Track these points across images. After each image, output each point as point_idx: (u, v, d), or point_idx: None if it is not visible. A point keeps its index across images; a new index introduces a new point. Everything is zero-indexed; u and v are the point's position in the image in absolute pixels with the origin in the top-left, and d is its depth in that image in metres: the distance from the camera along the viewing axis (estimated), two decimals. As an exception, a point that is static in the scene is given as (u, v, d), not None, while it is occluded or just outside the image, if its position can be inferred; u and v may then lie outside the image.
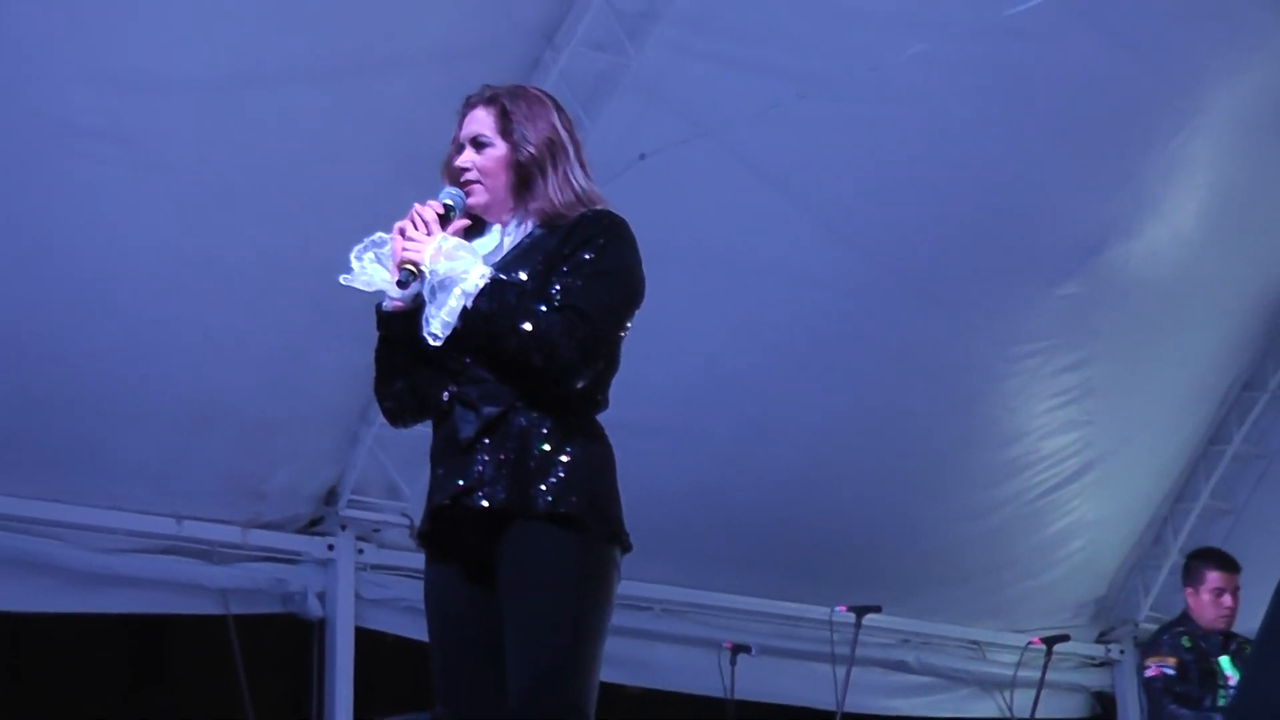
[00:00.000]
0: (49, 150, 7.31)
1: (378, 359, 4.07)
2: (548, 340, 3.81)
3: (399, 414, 4.10)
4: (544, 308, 3.84)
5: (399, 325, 4.01)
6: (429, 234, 3.93)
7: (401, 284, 3.92)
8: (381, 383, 4.07)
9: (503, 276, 3.88)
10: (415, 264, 3.90)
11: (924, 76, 8.48)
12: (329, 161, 7.79)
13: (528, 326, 3.81)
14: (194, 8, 7.33)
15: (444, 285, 3.89)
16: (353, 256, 4.02)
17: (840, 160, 8.80)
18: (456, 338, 3.89)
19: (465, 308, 3.86)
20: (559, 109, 4.14)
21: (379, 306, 4.05)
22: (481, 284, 3.85)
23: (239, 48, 7.50)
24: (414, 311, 3.98)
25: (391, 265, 3.96)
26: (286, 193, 7.75)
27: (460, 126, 4.11)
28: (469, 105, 4.12)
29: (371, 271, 4.00)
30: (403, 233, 3.95)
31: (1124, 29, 8.90)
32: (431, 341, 3.91)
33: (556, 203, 4.00)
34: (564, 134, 4.08)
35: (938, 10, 8.24)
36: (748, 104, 8.18)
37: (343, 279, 4.03)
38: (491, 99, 4.09)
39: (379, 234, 4.03)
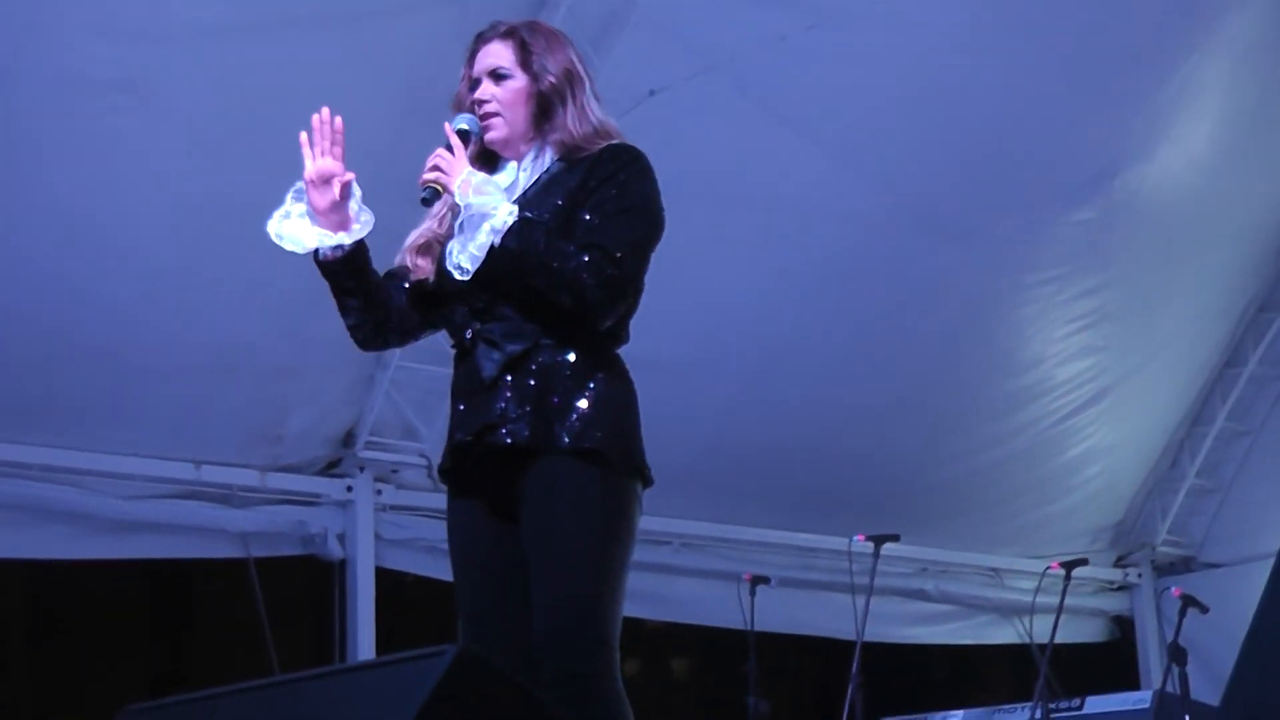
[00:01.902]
0: (61, 102, 7.30)
1: (332, 293, 4.09)
2: (576, 280, 3.82)
3: (360, 328, 4.11)
4: (571, 247, 3.85)
5: (338, 267, 4.03)
6: (455, 158, 3.95)
7: (426, 201, 3.94)
8: (341, 309, 4.09)
9: (529, 215, 3.89)
10: (444, 185, 3.92)
11: (931, 5, 8.45)
12: (341, 105, 7.67)
13: (555, 265, 3.82)
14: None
15: (473, 221, 3.90)
16: (278, 217, 4.05)
17: (849, 92, 8.76)
18: (480, 275, 3.91)
19: (493, 245, 3.87)
20: (571, 44, 4.16)
21: (315, 255, 4.05)
22: (510, 221, 3.86)
23: (247, -7, 7.50)
24: (353, 254, 4.00)
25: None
26: (299, 138, 7.73)
27: (472, 63, 4.11)
28: (482, 40, 4.12)
29: (297, 232, 4.03)
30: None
31: (1133, -48, 8.88)
32: (458, 275, 3.93)
33: (575, 134, 4.01)
34: (580, 66, 4.10)
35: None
36: (756, 37, 8.16)
37: (273, 234, 4.05)
38: (509, 32, 4.09)
39: (299, 184, 4.05)
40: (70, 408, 8.04)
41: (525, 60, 4.04)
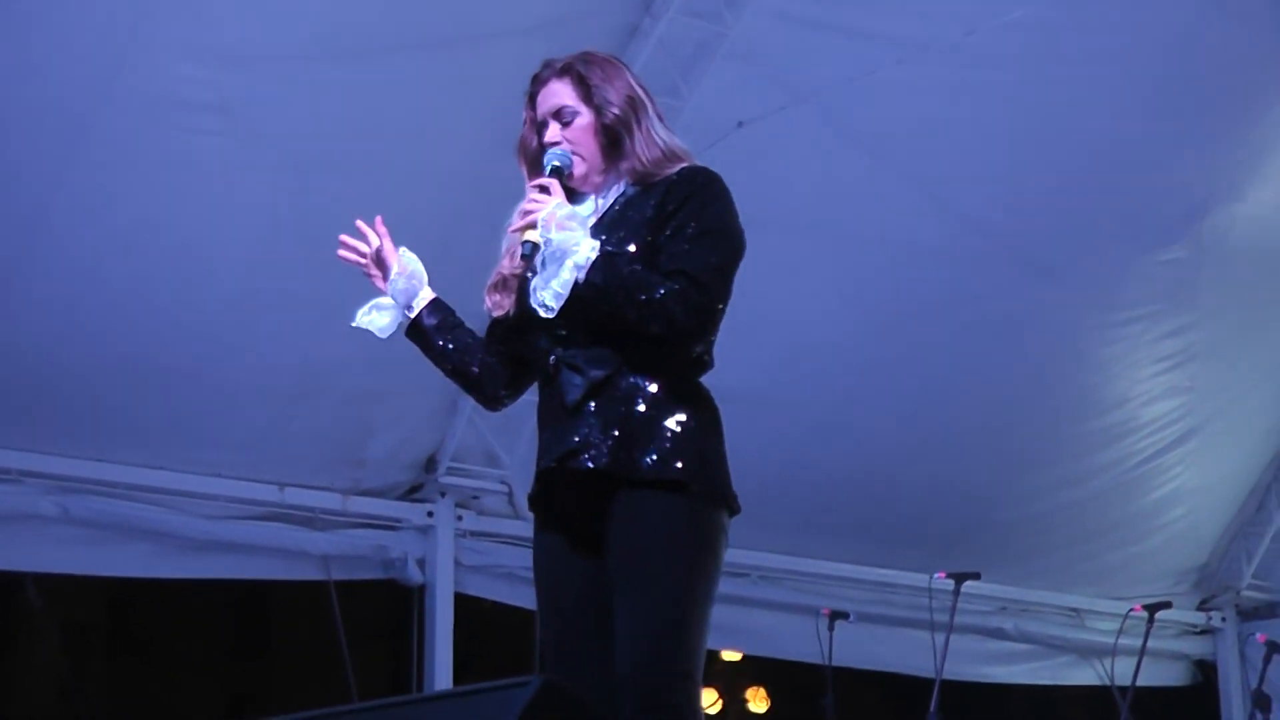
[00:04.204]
0: (153, 123, 7.38)
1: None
2: (664, 310, 3.81)
3: (471, 392, 4.20)
4: (656, 277, 3.85)
5: (413, 338, 4.16)
6: (550, 195, 3.95)
7: (526, 256, 3.93)
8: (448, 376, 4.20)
9: (610, 249, 3.88)
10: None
11: (1022, 40, 8.42)
12: (430, 132, 7.81)
13: (643, 297, 3.81)
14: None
15: (555, 257, 3.89)
16: (362, 313, 4.21)
17: (938, 126, 8.75)
18: (565, 310, 3.89)
19: (577, 281, 3.87)
20: (627, 67, 4.16)
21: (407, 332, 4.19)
22: (593, 256, 3.86)
23: (338, 19, 7.54)
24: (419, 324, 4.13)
25: (515, 237, 3.99)
26: (387, 163, 7.77)
27: (534, 106, 4.10)
28: (540, 81, 4.11)
29: (373, 318, 4.19)
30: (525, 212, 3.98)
31: (1226, -10, 8.82)
32: (543, 313, 3.91)
33: (646, 159, 4.00)
34: (640, 91, 4.09)
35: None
36: (845, 70, 8.15)
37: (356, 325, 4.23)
38: (565, 69, 4.08)
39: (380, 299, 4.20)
40: (156, 428, 8.10)
41: (586, 95, 4.03)
